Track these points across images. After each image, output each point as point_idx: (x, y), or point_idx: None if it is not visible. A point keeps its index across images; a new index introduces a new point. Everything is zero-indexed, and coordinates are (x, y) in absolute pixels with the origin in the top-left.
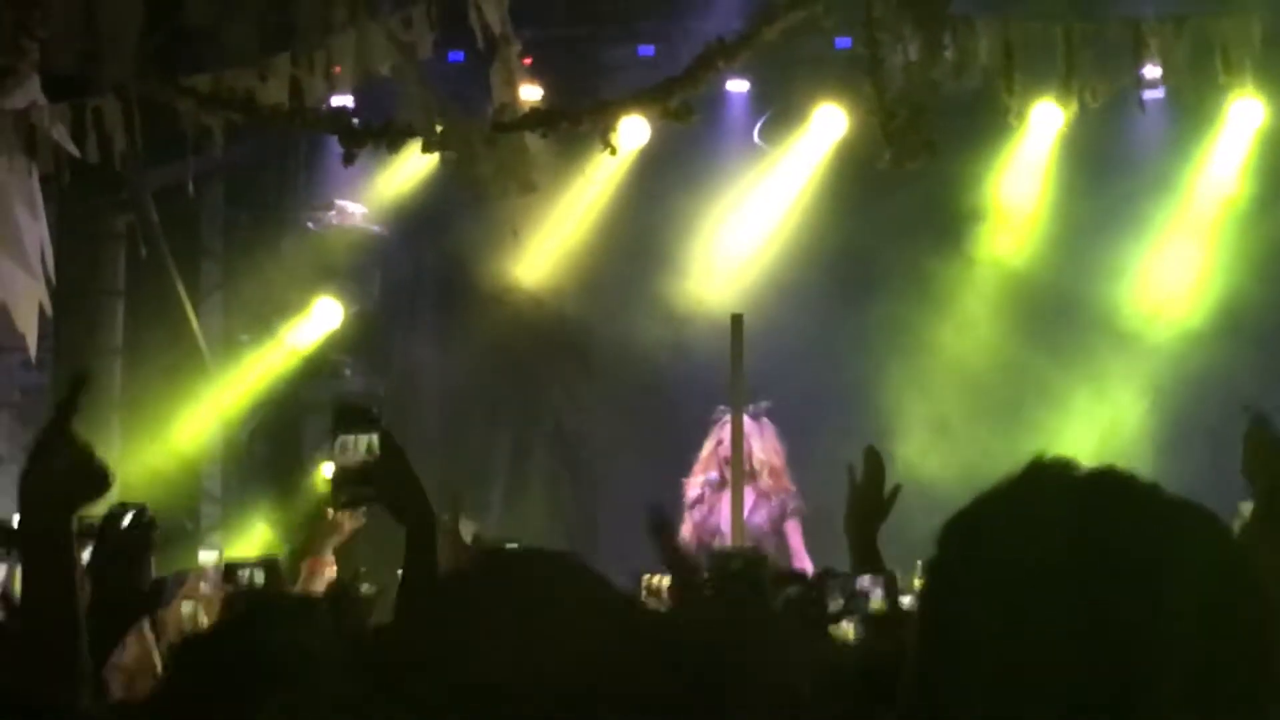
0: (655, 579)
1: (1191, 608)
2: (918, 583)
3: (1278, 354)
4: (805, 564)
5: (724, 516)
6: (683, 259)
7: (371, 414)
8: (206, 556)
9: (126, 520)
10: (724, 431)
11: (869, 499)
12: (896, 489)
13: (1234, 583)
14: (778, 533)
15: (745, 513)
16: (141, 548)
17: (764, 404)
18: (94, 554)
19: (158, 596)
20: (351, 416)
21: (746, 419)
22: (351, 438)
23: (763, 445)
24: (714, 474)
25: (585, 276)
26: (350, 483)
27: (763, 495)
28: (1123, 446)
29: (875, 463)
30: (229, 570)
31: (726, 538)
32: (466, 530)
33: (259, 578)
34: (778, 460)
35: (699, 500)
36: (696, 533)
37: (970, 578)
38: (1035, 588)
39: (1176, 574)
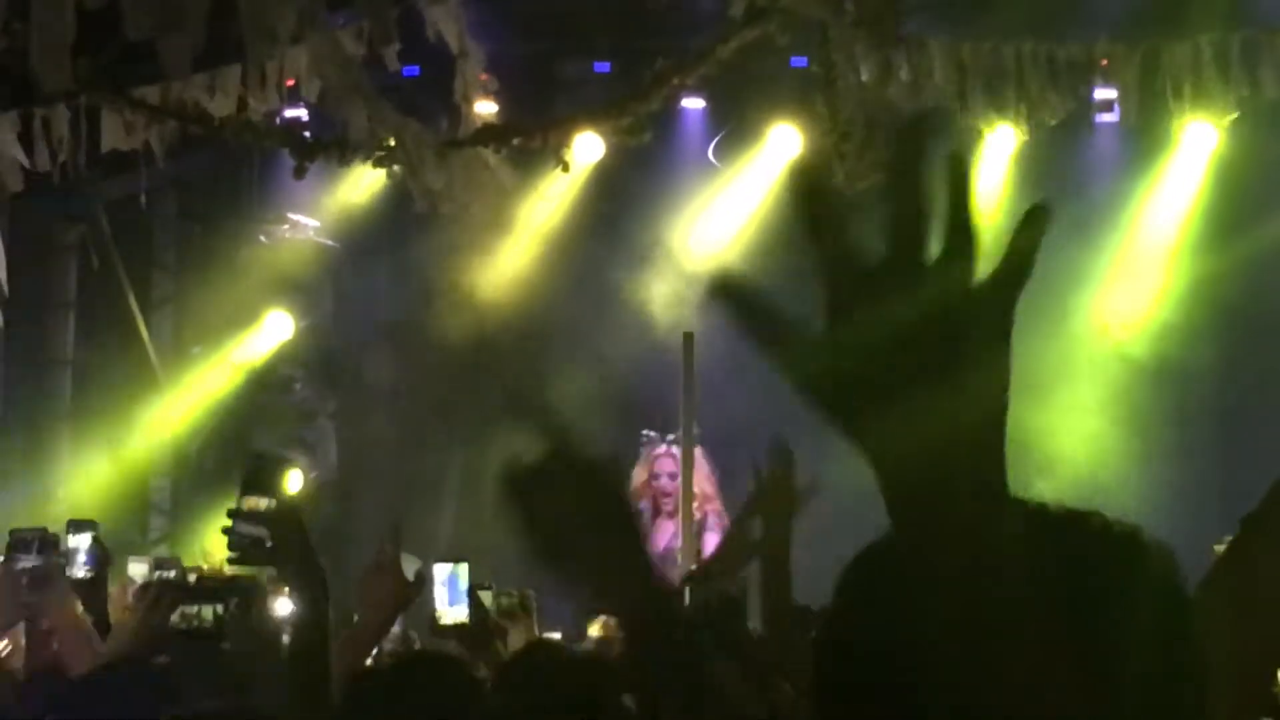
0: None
1: (1114, 631)
2: None
3: (1229, 376)
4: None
5: (654, 546)
6: (637, 276)
7: (279, 478)
8: (136, 568)
9: None
10: (657, 463)
11: (779, 494)
12: (813, 484)
13: (1159, 603)
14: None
15: (666, 540)
16: None
17: (694, 431)
18: None
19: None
20: (261, 480)
21: (676, 448)
22: (253, 499)
23: (694, 475)
24: (644, 503)
25: (539, 292)
26: (247, 545)
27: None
28: (1074, 465)
29: (784, 458)
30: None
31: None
32: (409, 567)
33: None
34: (710, 487)
35: None
36: None
37: (870, 623)
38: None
39: (1095, 594)
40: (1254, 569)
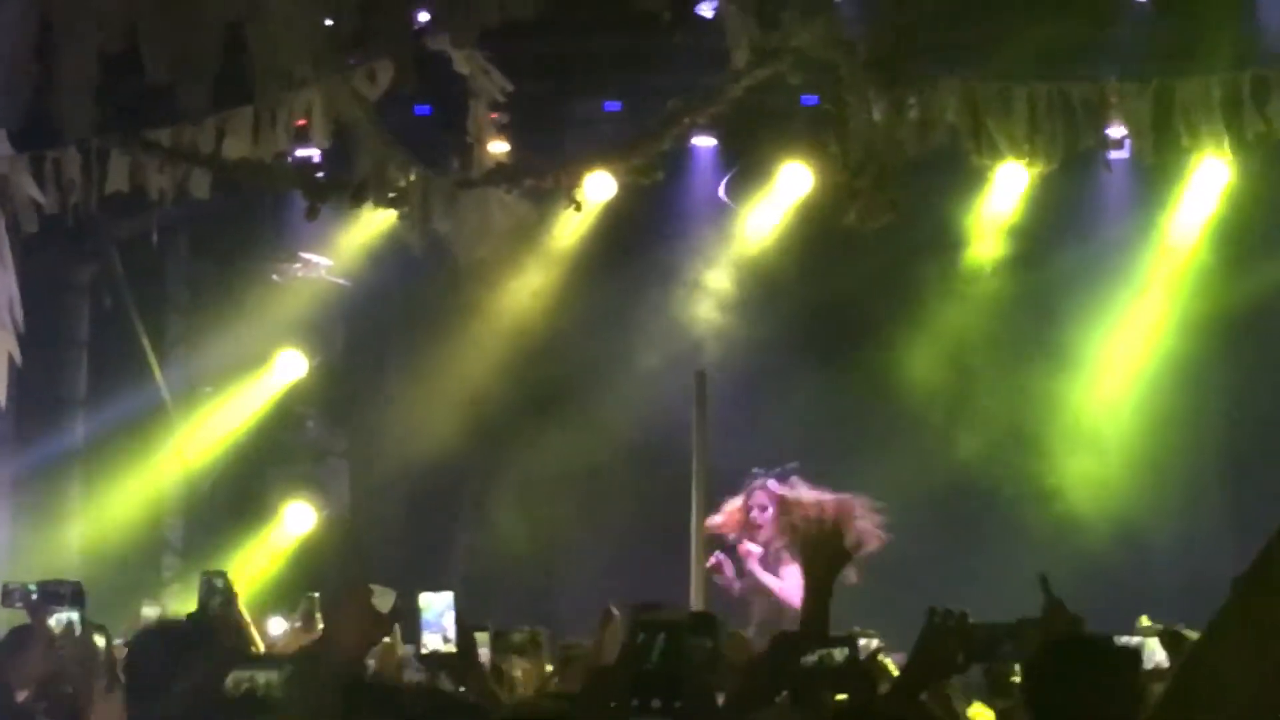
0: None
1: None
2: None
3: (1238, 411)
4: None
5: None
6: (649, 314)
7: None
8: (149, 611)
9: None
10: (755, 497)
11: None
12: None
13: None
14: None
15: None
16: None
17: (794, 466)
18: None
19: None
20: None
21: (775, 484)
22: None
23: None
24: (735, 536)
25: (550, 330)
26: None
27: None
28: (1084, 504)
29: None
30: None
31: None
32: (385, 600)
33: None
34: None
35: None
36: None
37: None
38: None
39: None
40: (1251, 625)
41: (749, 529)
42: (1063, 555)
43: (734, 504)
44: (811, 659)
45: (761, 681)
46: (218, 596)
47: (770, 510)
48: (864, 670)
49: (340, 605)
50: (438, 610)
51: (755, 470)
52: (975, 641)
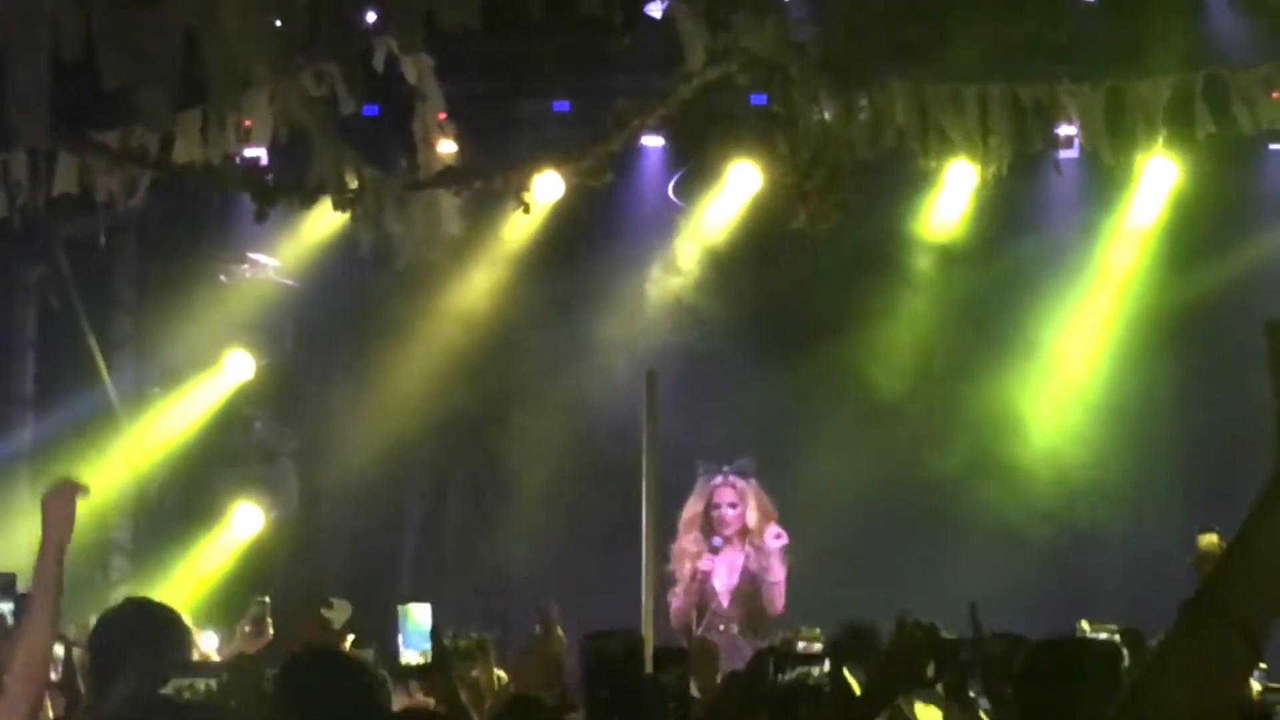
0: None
1: None
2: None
3: (1186, 407)
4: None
5: (720, 577)
6: (599, 314)
7: None
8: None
9: None
10: (716, 493)
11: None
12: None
13: None
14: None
15: (729, 567)
16: None
17: (749, 461)
18: None
19: None
20: None
21: (739, 480)
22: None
23: (757, 505)
24: (717, 539)
25: (500, 330)
26: None
27: (748, 553)
28: (1041, 497)
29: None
30: None
31: (722, 598)
32: (341, 613)
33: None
34: (769, 509)
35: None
36: (693, 597)
37: None
38: None
39: None
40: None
41: (717, 525)
42: (1013, 552)
43: (694, 505)
44: (789, 676)
45: (737, 699)
46: None
47: (739, 509)
48: (844, 687)
49: (293, 622)
50: (415, 621)
51: (705, 464)
52: (945, 654)
